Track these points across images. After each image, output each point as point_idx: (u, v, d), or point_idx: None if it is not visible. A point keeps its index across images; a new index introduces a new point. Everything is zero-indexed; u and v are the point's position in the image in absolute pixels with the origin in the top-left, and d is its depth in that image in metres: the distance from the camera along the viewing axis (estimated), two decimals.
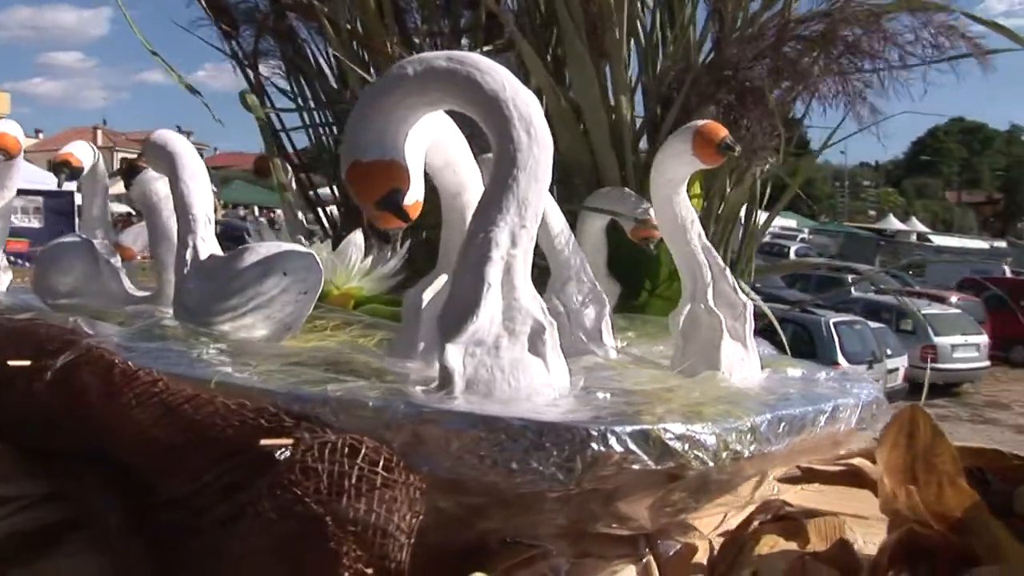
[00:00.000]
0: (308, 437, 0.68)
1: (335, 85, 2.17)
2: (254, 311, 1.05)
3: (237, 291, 1.04)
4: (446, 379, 0.75)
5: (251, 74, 2.12)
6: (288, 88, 2.16)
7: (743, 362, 1.08)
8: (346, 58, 1.87)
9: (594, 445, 0.65)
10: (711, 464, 0.68)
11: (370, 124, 0.81)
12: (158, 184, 1.33)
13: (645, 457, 0.66)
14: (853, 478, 0.78)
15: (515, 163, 0.76)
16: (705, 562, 0.86)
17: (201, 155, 1.27)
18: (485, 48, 2.02)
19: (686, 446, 0.67)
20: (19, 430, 1.02)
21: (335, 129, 2.15)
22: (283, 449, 0.68)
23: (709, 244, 1.12)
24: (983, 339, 9.45)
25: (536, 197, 0.77)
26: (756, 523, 0.83)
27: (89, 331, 1.02)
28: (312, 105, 2.14)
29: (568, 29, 1.39)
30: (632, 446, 0.66)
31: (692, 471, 0.68)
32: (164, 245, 1.32)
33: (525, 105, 0.77)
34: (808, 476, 0.79)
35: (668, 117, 1.47)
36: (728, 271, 1.11)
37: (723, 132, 1.01)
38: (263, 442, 0.67)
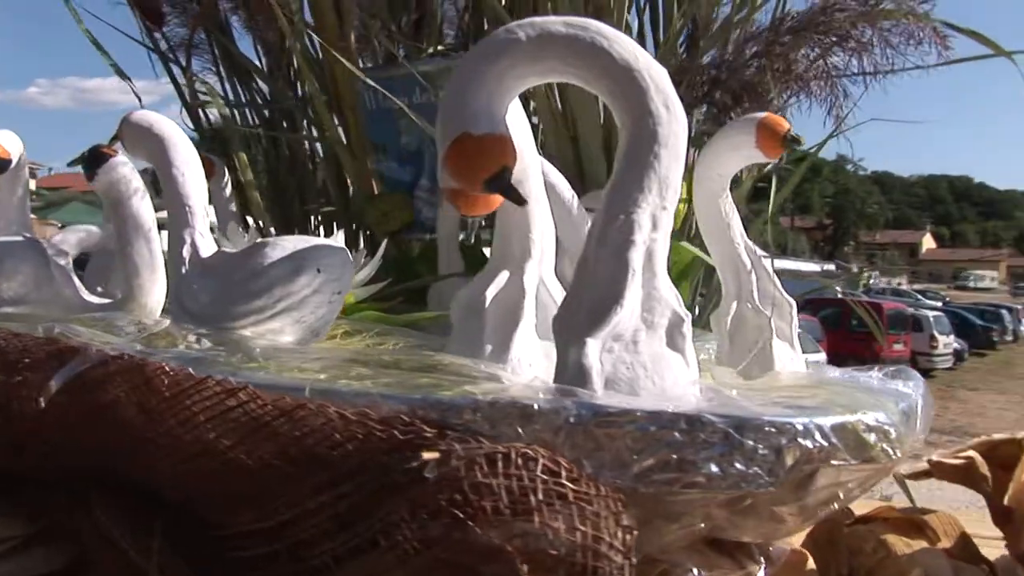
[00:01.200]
0: (462, 449, 0.58)
1: (265, 85, 2.01)
2: (283, 314, 0.91)
3: (262, 291, 0.91)
4: (581, 378, 0.67)
5: (177, 72, 1.93)
6: (219, 86, 1.99)
7: (793, 362, 1.05)
8: (300, 51, 1.73)
9: (801, 440, 0.59)
10: (896, 456, 0.64)
11: (479, 92, 0.72)
12: (127, 172, 1.15)
13: (844, 451, 0.61)
14: (967, 472, 0.77)
15: (656, 138, 0.69)
16: (813, 567, 0.81)
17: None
18: (438, 48, 1.95)
19: (876, 437, 0.63)
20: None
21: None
22: (430, 464, 0.57)
23: (752, 243, 1.09)
24: (822, 356, 10.19)
25: (676, 176, 0.70)
26: (870, 523, 0.80)
27: (78, 340, 0.86)
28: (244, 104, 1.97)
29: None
30: (834, 440, 0.60)
31: (878, 464, 0.64)
32: (137, 244, 1.14)
33: (660, 77, 0.71)
34: (938, 470, 0.77)
35: None
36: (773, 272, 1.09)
37: (787, 124, 0.99)
38: (425, 456, 0.56)
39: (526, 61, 0.72)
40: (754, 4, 1.53)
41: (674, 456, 0.58)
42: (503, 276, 0.91)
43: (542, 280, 0.92)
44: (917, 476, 0.80)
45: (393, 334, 1.13)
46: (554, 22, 0.72)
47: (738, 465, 0.58)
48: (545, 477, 0.56)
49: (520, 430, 0.60)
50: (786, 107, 1.40)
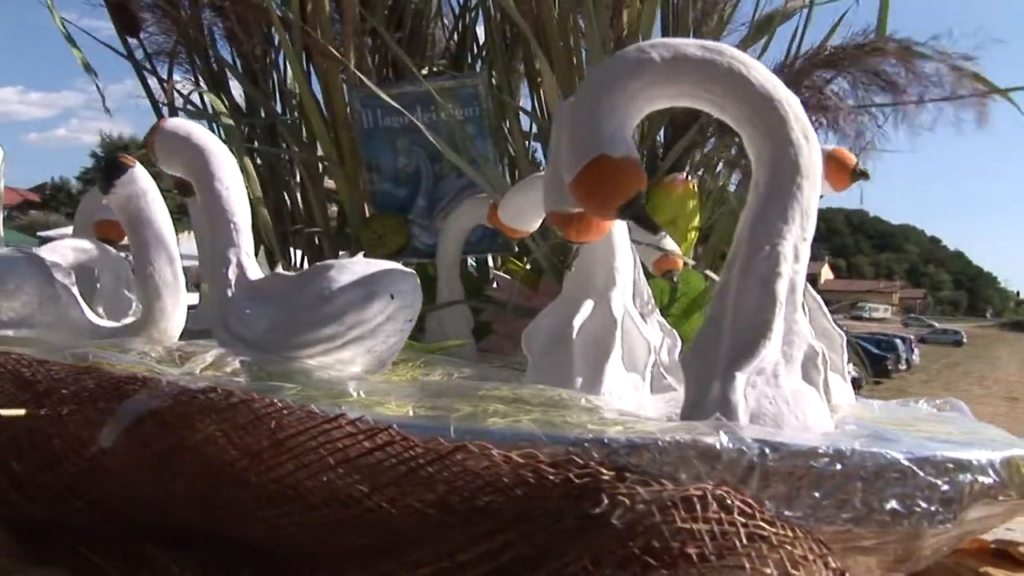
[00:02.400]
0: (647, 492, 0.54)
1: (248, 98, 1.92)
2: (355, 342, 0.85)
3: (332, 317, 0.84)
4: (727, 413, 0.64)
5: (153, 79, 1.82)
6: (197, 98, 1.88)
7: (845, 394, 1.05)
8: (293, 61, 1.65)
9: (980, 476, 0.58)
10: None
11: (612, 113, 0.69)
12: (147, 185, 1.06)
13: (1010, 488, 0.60)
14: None
15: (798, 169, 0.68)
16: None
17: None
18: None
19: None
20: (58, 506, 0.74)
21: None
22: (618, 509, 0.53)
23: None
24: None
25: (815, 207, 0.69)
26: (968, 555, 0.80)
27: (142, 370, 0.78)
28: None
29: (595, 48, 1.32)
30: (1004, 476, 0.59)
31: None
32: (159, 264, 1.04)
33: (797, 106, 0.69)
34: None
35: (681, 142, 1.44)
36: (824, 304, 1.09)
37: (854, 157, 1.00)
38: (606, 500, 0.52)
39: (659, 83, 0.70)
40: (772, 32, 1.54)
41: (859, 494, 0.56)
42: (588, 305, 0.87)
43: (626, 309, 0.88)
44: None
45: (438, 363, 1.07)
46: (688, 44, 0.70)
47: (921, 503, 0.56)
48: (743, 520, 0.52)
49: (700, 470, 0.56)
50: None
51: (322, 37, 1.64)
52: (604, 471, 0.55)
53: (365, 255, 1.76)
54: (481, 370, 1.05)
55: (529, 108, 1.68)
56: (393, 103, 1.54)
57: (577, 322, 0.86)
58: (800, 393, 0.68)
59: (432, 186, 1.74)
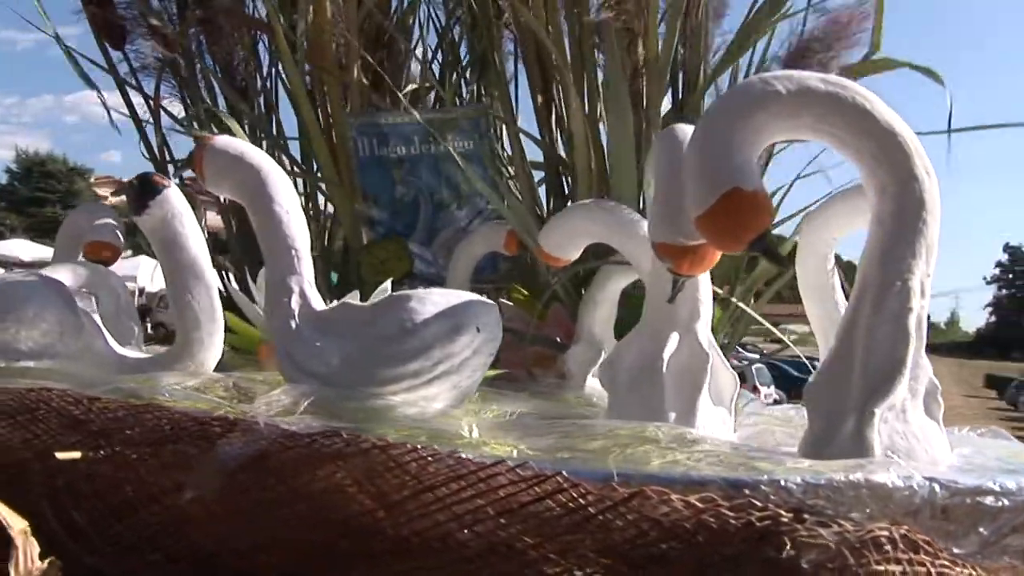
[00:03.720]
0: (831, 533, 0.52)
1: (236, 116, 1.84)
2: (441, 378, 0.81)
3: (418, 352, 0.80)
4: (861, 449, 0.64)
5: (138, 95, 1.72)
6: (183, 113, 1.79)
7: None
8: (293, 80, 1.59)
9: None
10: None
11: (742, 145, 0.68)
12: (182, 206, 0.99)
13: None
14: None
15: (923, 204, 0.68)
16: None
17: None
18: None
19: None
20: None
21: None
22: (800, 552, 0.51)
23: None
24: None
25: (937, 242, 0.69)
26: None
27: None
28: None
29: (615, 75, 1.32)
30: None
31: None
32: (197, 291, 0.98)
33: (917, 141, 0.70)
34: None
35: None
36: None
37: None
38: (790, 543, 0.50)
39: (784, 116, 0.69)
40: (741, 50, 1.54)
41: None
42: (674, 339, 0.86)
43: (711, 342, 0.87)
44: None
45: (492, 398, 1.03)
46: (810, 77, 0.70)
47: None
48: (929, 559, 0.52)
49: (873, 509, 0.55)
50: None
51: (324, 58, 1.59)
52: (783, 513, 0.53)
53: (364, 281, 1.72)
54: (536, 403, 1.02)
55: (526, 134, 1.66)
56: (429, 123, 1.49)
57: (666, 355, 0.84)
58: (925, 426, 0.68)
59: (431, 217, 1.70)
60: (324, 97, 1.64)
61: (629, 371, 0.86)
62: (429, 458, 0.57)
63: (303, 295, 0.87)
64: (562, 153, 1.62)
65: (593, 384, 1.29)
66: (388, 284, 1.28)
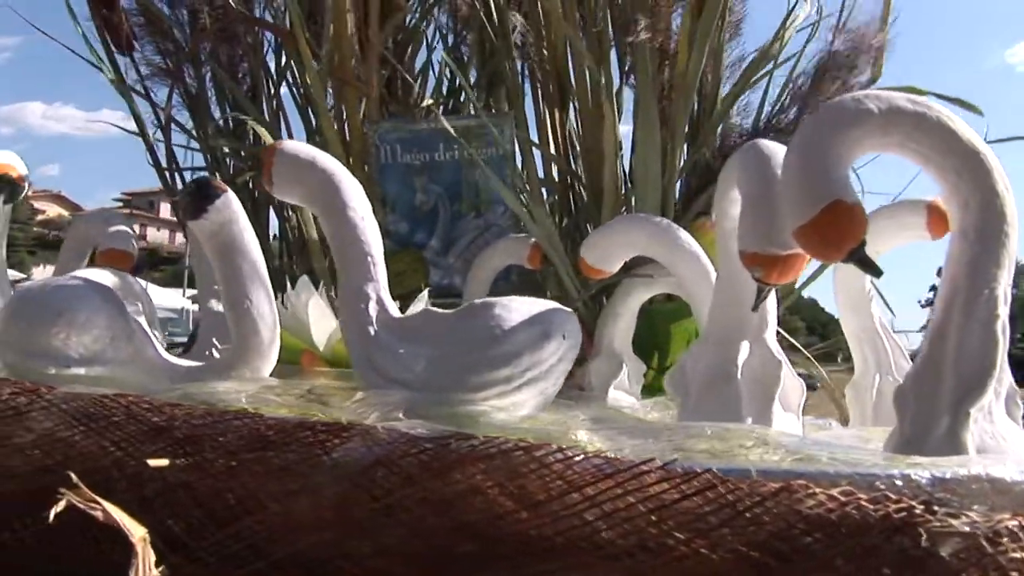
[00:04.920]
0: (961, 524, 0.55)
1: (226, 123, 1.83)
2: (530, 384, 0.81)
3: (508, 358, 0.80)
4: (956, 448, 0.67)
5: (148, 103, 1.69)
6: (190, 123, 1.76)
7: None
8: (315, 90, 1.58)
9: None
10: None
11: (839, 159, 0.71)
12: (239, 210, 0.98)
13: None
14: None
15: (1005, 218, 0.72)
16: None
17: None
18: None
19: None
20: None
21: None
22: (937, 542, 0.54)
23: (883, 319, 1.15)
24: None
25: (1015, 252, 0.74)
26: None
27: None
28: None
29: (646, 95, 1.35)
30: None
31: None
32: (256, 296, 0.96)
33: (997, 159, 0.74)
34: None
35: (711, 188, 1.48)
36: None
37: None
38: (925, 533, 0.52)
39: (875, 133, 0.73)
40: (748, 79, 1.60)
41: None
42: (745, 347, 0.88)
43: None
44: None
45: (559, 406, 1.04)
46: (898, 97, 0.74)
47: None
48: None
49: (994, 502, 0.58)
50: None
51: (343, 65, 1.58)
52: (916, 505, 0.56)
53: None
54: (593, 411, 1.03)
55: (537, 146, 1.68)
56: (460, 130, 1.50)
57: (740, 362, 0.86)
58: (1009, 427, 0.72)
59: (449, 225, 1.71)
60: (340, 107, 1.64)
61: (702, 380, 0.88)
62: (576, 458, 0.58)
63: (380, 302, 0.86)
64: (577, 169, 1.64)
65: (615, 396, 1.31)
66: (425, 294, 1.28)
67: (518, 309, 0.83)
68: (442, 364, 0.81)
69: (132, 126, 1.69)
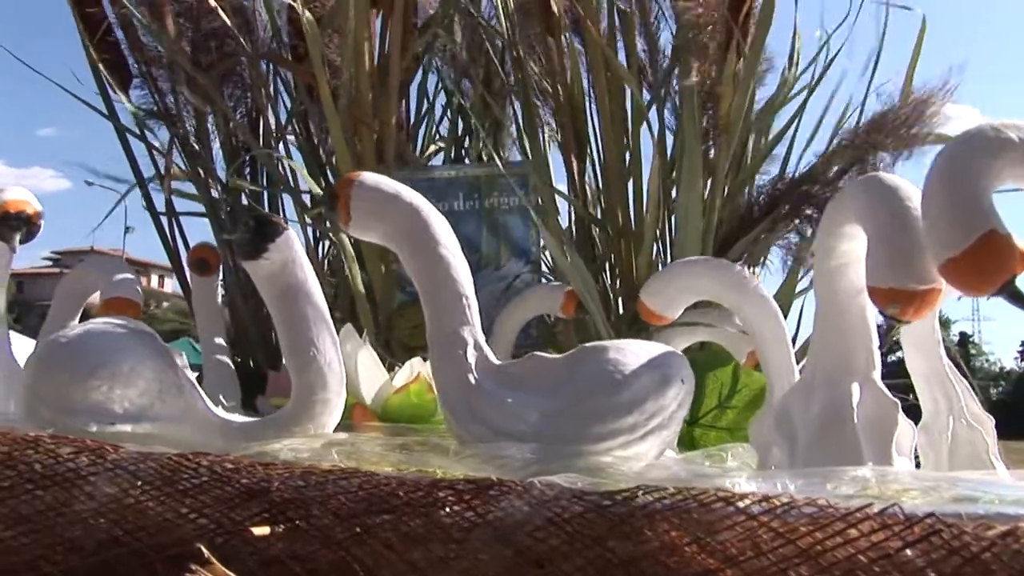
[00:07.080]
0: None
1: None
2: (654, 432, 0.75)
3: (632, 405, 0.74)
4: None
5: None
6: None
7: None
8: (334, 133, 1.51)
9: None
10: None
11: (986, 188, 0.69)
12: (301, 249, 0.90)
13: None
14: None
15: None
16: None
17: None
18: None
19: None
20: None
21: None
22: None
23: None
24: None
25: None
26: None
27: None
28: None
29: (691, 139, 1.33)
30: None
31: None
32: (323, 343, 0.87)
33: None
34: None
35: (755, 230, 1.46)
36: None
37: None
38: None
39: (1017, 163, 0.71)
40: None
41: None
42: (856, 388, 0.84)
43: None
44: None
45: None
46: (1019, 128, 0.72)
47: None
48: None
49: None
50: None
51: (363, 112, 1.53)
52: None
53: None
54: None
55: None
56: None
57: (855, 404, 0.82)
58: None
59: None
60: (356, 146, 1.57)
61: (813, 425, 0.83)
62: (781, 507, 0.52)
63: (479, 347, 0.79)
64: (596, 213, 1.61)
65: None
66: None
67: (635, 352, 0.77)
68: (559, 413, 0.74)
69: (63, 184, 1.59)
